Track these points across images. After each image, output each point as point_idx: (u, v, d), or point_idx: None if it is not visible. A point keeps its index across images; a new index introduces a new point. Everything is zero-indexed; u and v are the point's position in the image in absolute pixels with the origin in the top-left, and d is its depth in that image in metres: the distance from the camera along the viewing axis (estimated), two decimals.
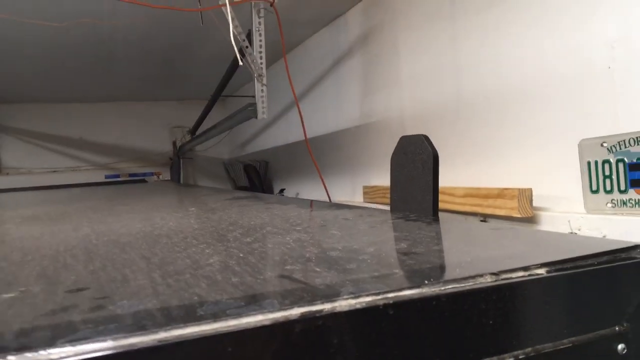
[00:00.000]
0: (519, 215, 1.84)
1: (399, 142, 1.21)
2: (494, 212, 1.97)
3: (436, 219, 1.01)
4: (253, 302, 0.52)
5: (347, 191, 3.52)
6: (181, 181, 5.63)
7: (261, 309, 0.49)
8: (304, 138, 3.37)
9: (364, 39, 3.25)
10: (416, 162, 1.12)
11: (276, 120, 4.79)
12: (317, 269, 0.65)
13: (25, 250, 0.94)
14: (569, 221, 1.73)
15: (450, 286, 0.54)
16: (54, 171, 5.94)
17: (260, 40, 2.91)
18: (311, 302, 0.50)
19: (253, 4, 2.91)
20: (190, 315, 0.49)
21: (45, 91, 5.49)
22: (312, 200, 1.72)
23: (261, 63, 2.92)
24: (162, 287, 0.61)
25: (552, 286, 0.59)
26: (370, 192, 3.00)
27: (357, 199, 3.33)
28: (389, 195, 2.68)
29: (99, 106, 6.09)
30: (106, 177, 6.03)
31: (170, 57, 4.47)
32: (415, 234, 0.86)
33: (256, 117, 3.04)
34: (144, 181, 4.69)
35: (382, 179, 3.00)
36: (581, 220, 1.71)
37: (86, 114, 6.07)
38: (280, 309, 0.49)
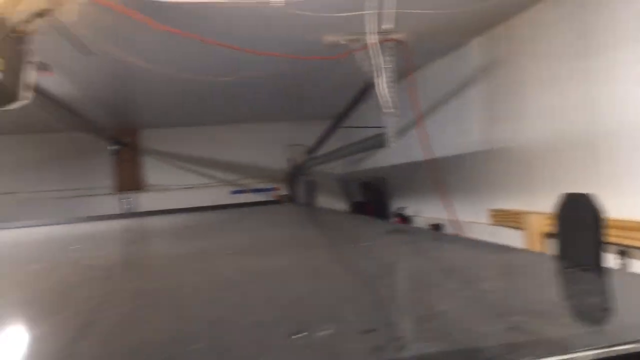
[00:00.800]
0: None
1: (563, 198, 1.41)
2: (636, 244, 2.08)
3: (603, 271, 1.21)
4: (521, 347, 0.77)
5: (469, 212, 3.68)
6: (311, 198, 6.00)
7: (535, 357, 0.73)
8: (423, 158, 3.60)
9: (486, 69, 3.42)
10: (581, 217, 1.32)
11: None
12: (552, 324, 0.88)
13: (292, 289, 1.27)
14: None
15: None
16: (188, 188, 6.62)
17: (391, 76, 3.19)
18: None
19: (384, 44, 3.19)
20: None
21: (182, 116, 6.17)
22: (459, 237, 1.93)
23: (391, 97, 3.20)
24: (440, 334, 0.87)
25: None
26: (498, 216, 3.15)
27: (481, 220, 3.49)
28: (519, 220, 2.83)
29: (225, 128, 6.72)
30: (232, 192, 6.62)
31: (294, 86, 4.86)
32: (594, 287, 1.07)
33: (385, 147, 3.32)
34: (276, 202, 5.14)
35: (510, 202, 3.15)
36: None
37: (215, 136, 6.72)
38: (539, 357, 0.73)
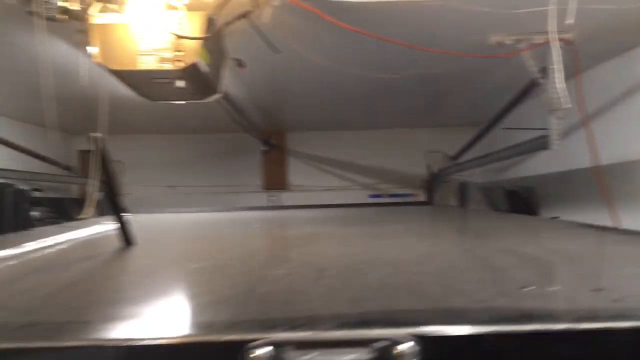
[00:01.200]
0: None
1: None
2: None
3: None
4: None
5: (634, 225, 3.43)
6: (464, 201, 5.97)
7: None
8: (584, 165, 3.42)
9: None
10: None
11: None
12: None
13: (494, 262, 1.33)
14: None
15: None
16: (328, 190, 6.90)
17: (559, 77, 3.09)
18: None
19: (553, 44, 3.11)
20: None
21: (325, 121, 6.46)
22: None
23: (559, 98, 3.10)
24: None
25: None
26: None
27: None
28: None
29: (365, 133, 6.91)
30: (370, 196, 6.79)
31: (439, 90, 4.84)
32: None
33: (548, 149, 3.23)
34: (427, 203, 5.19)
35: None
36: None
37: (355, 140, 6.94)
38: None
